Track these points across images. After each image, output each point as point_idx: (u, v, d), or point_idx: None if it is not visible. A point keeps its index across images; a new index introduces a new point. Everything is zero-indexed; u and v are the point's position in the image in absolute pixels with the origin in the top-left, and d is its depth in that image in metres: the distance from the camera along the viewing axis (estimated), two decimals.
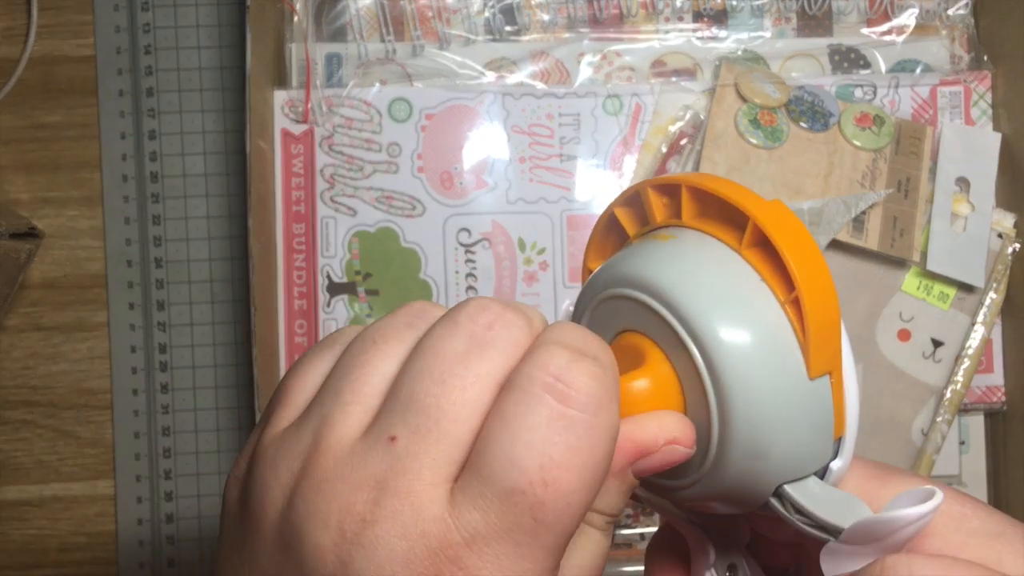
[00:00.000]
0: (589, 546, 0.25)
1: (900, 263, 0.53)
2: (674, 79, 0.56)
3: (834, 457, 0.25)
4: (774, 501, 0.25)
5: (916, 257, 0.52)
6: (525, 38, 0.56)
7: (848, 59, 0.56)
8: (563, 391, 0.22)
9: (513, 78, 0.55)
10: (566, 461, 0.21)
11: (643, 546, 0.55)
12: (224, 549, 0.24)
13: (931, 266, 0.52)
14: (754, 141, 0.53)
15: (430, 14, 0.56)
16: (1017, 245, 0.54)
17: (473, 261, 0.55)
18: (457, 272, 0.55)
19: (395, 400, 0.22)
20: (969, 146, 0.54)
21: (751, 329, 0.24)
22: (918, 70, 0.56)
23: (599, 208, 0.55)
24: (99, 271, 0.58)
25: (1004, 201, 0.54)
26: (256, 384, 0.49)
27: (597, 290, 0.27)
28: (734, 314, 0.24)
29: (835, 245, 0.53)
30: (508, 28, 0.56)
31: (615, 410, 0.23)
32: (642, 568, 0.55)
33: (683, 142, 0.55)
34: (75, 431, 0.58)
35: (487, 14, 0.56)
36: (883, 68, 0.56)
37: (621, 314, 0.26)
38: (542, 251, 0.55)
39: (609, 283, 0.27)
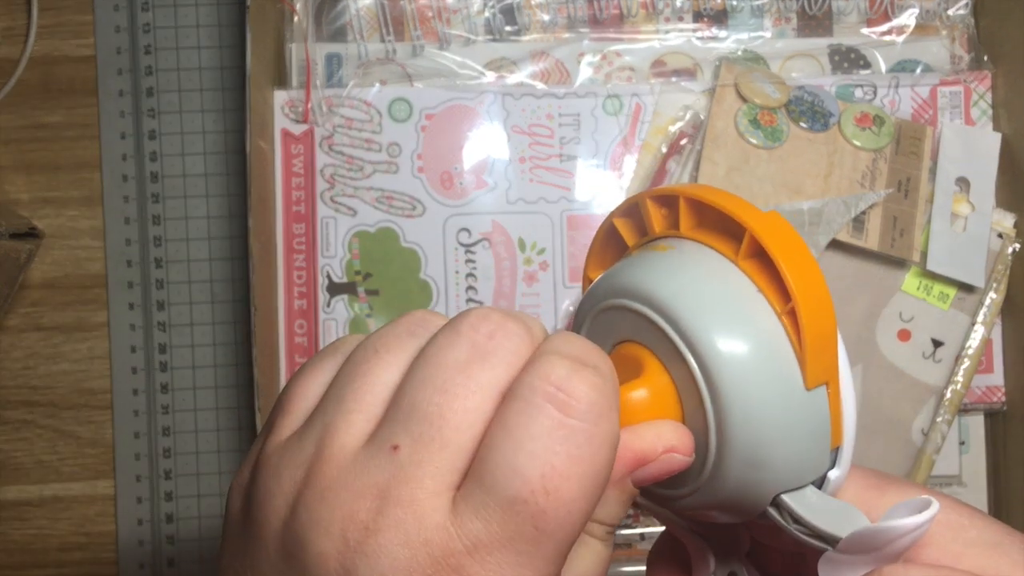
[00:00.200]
0: (589, 556, 0.25)
1: (900, 263, 0.53)
2: (674, 79, 0.56)
3: (832, 466, 0.25)
4: (772, 510, 0.25)
5: (916, 257, 0.53)
6: (525, 38, 0.56)
7: (848, 59, 0.56)
8: (564, 401, 0.22)
9: (513, 78, 0.55)
10: (568, 470, 0.22)
11: (643, 546, 0.55)
12: (226, 557, 0.25)
13: (931, 266, 0.52)
14: (754, 141, 0.53)
15: (430, 14, 0.56)
16: (1017, 245, 0.54)
17: (473, 261, 0.55)
18: (457, 272, 0.55)
19: (397, 409, 0.23)
20: (969, 146, 0.54)
21: (748, 340, 0.24)
22: (918, 70, 0.56)
23: (599, 208, 0.55)
24: (99, 271, 0.58)
25: (1004, 201, 0.54)
26: (256, 384, 0.49)
27: (596, 300, 0.27)
28: (731, 325, 0.24)
29: (835, 245, 0.53)
30: (508, 28, 0.56)
31: (615, 419, 0.23)
32: (642, 568, 0.55)
33: (683, 142, 0.55)
34: (75, 431, 0.58)
35: (487, 14, 0.56)
36: (883, 68, 0.56)
37: (620, 325, 0.27)
38: (542, 251, 0.55)
39: (608, 294, 0.27)
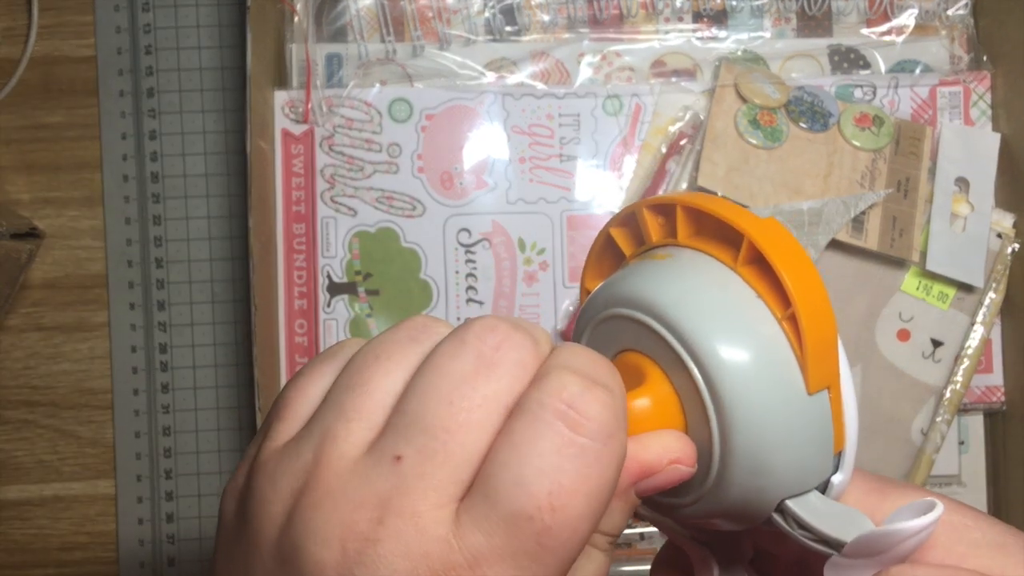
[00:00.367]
0: (591, 566, 0.25)
1: (900, 263, 0.54)
2: (674, 79, 0.56)
3: (835, 471, 0.25)
4: (776, 516, 0.25)
5: (915, 257, 0.53)
6: (525, 38, 0.56)
7: (848, 59, 0.57)
8: (575, 419, 0.22)
9: (513, 78, 0.56)
10: (575, 488, 0.21)
11: (643, 546, 0.55)
12: (220, 562, 0.24)
13: (930, 266, 0.53)
14: (754, 141, 0.53)
15: (430, 14, 0.56)
16: (1016, 245, 0.54)
17: (473, 261, 0.55)
18: (457, 272, 0.55)
19: (401, 418, 0.22)
20: (968, 146, 0.54)
21: (749, 346, 0.24)
22: (917, 70, 0.56)
23: (599, 208, 0.55)
24: (100, 271, 0.58)
25: (1003, 201, 0.54)
26: (257, 384, 0.50)
27: (596, 310, 0.27)
28: (732, 332, 0.24)
29: (834, 245, 0.53)
30: (508, 28, 0.56)
31: (624, 438, 0.23)
32: (642, 568, 0.55)
33: (683, 142, 0.55)
34: (76, 431, 0.58)
35: (487, 14, 0.56)
36: (883, 68, 0.56)
37: (620, 334, 0.27)
38: (542, 251, 0.55)
39: (608, 303, 0.27)
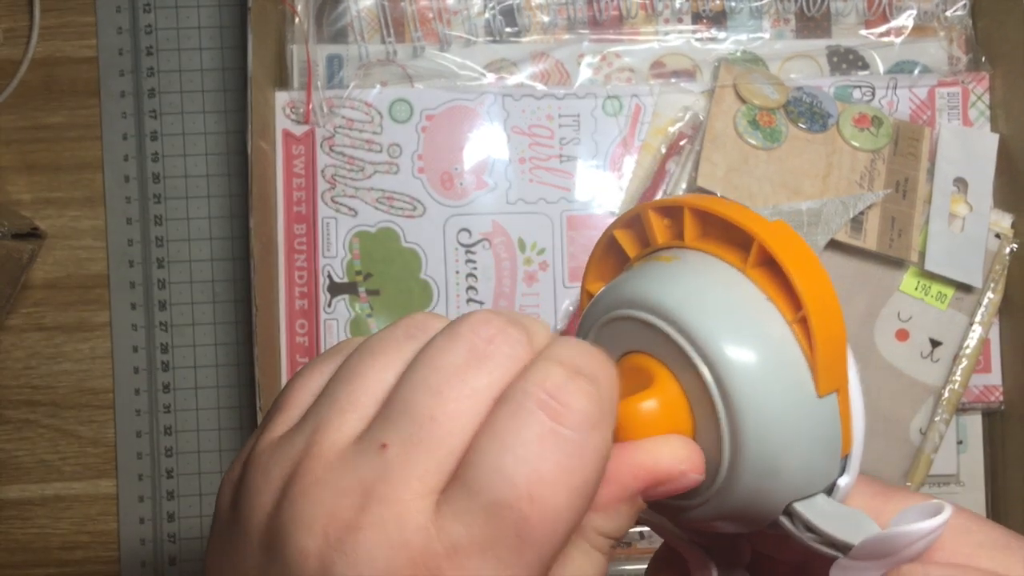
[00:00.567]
0: (590, 568, 0.25)
1: (898, 263, 0.54)
2: (673, 80, 0.56)
3: (841, 474, 0.25)
4: (784, 519, 0.25)
5: (914, 257, 0.53)
6: (525, 39, 0.57)
7: (847, 60, 0.57)
8: (556, 409, 0.22)
9: (513, 79, 0.56)
10: (555, 479, 0.21)
11: (643, 545, 0.56)
12: (213, 554, 0.24)
13: (929, 266, 0.53)
14: (753, 142, 0.53)
15: (431, 15, 0.56)
16: (1015, 245, 0.54)
17: (473, 261, 0.55)
18: (457, 272, 0.55)
19: (390, 408, 0.22)
20: (967, 147, 0.54)
21: (760, 348, 0.24)
22: (916, 71, 0.56)
23: (599, 208, 0.55)
24: (101, 271, 0.58)
25: (1002, 201, 0.54)
26: (257, 383, 0.50)
27: (600, 312, 0.27)
28: (743, 333, 0.24)
29: (833, 245, 0.53)
30: (508, 29, 0.57)
31: (608, 433, 0.23)
32: (642, 567, 0.55)
33: (682, 143, 0.55)
34: (77, 430, 0.58)
35: (487, 15, 0.57)
36: (881, 69, 0.57)
37: (626, 335, 0.26)
38: (542, 251, 0.55)
39: (614, 305, 0.27)
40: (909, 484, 0.54)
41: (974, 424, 0.56)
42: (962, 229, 0.54)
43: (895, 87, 0.55)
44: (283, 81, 0.56)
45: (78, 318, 0.58)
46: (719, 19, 0.57)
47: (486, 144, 0.55)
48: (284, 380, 0.54)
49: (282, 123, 0.55)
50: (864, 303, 0.54)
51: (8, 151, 0.58)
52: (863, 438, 0.25)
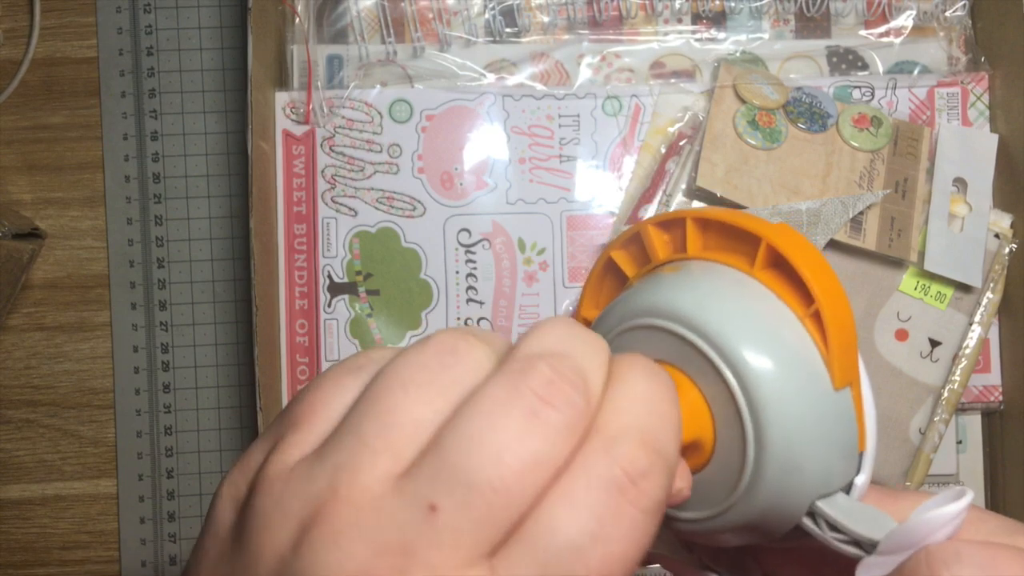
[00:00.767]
0: None
1: (898, 263, 0.54)
2: (673, 80, 0.56)
3: (857, 472, 0.25)
4: (807, 521, 0.25)
5: (914, 257, 0.53)
6: (525, 40, 0.57)
7: (846, 60, 0.57)
8: (632, 492, 0.21)
9: (513, 79, 0.56)
10: (622, 556, 0.21)
11: None
12: (205, 571, 0.23)
13: (928, 266, 0.53)
14: (752, 142, 0.53)
15: (430, 16, 0.57)
16: (1014, 245, 0.54)
17: (473, 261, 0.55)
18: (457, 272, 0.55)
19: (439, 462, 0.20)
20: (966, 147, 0.54)
21: (777, 346, 0.24)
22: (916, 71, 0.57)
23: (599, 208, 0.55)
24: (101, 271, 0.58)
25: (1001, 201, 0.55)
26: (258, 383, 0.50)
27: (613, 325, 0.27)
28: (759, 333, 0.24)
29: (833, 245, 0.53)
30: (508, 30, 0.57)
31: (665, 503, 0.22)
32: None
33: (682, 143, 0.55)
34: (77, 430, 0.58)
35: (487, 16, 0.57)
36: (881, 69, 0.57)
37: (642, 346, 0.26)
38: (542, 251, 0.55)
39: (627, 316, 0.26)
40: (908, 484, 0.54)
41: (973, 424, 0.57)
42: (961, 229, 0.54)
43: (894, 87, 0.55)
44: (283, 81, 0.56)
45: (78, 318, 0.58)
46: (719, 19, 0.57)
47: (486, 144, 0.55)
48: (284, 380, 0.54)
49: (282, 123, 0.55)
50: (863, 303, 0.54)
51: (9, 151, 0.58)
52: (875, 436, 0.25)
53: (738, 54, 0.57)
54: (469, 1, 0.57)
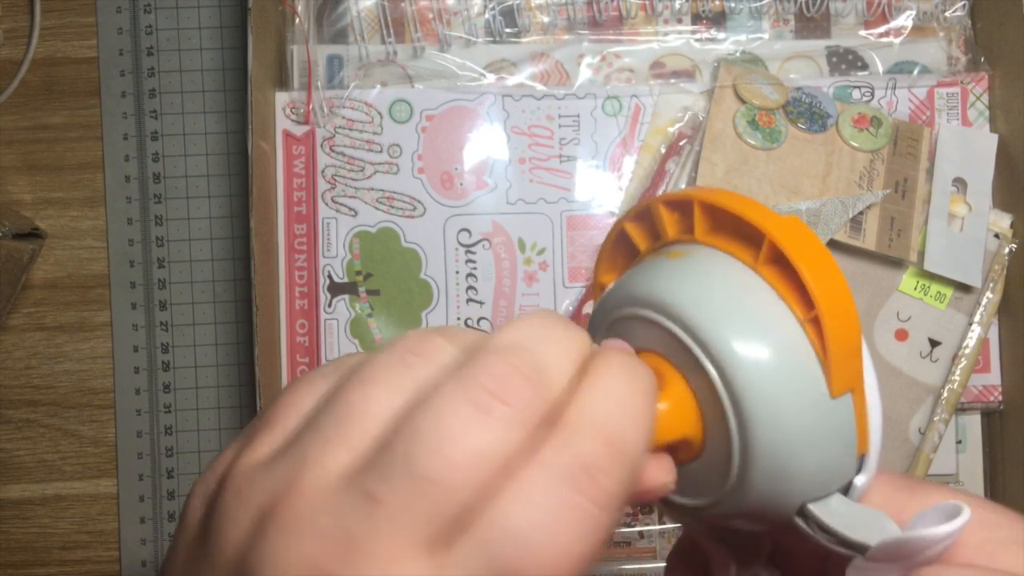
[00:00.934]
0: None
1: (898, 263, 0.54)
2: (673, 80, 0.56)
3: (858, 473, 0.25)
4: (798, 520, 0.25)
5: (913, 257, 0.53)
6: (525, 40, 0.57)
7: (846, 60, 0.57)
8: (586, 487, 0.21)
9: (513, 79, 0.56)
10: (569, 550, 0.21)
11: (642, 544, 0.56)
12: (174, 569, 0.23)
13: (928, 266, 0.53)
14: (752, 142, 0.53)
15: (431, 16, 0.57)
16: (1014, 245, 0.54)
17: (473, 261, 0.55)
18: (457, 272, 0.55)
19: (387, 456, 0.21)
20: (966, 147, 0.55)
21: (769, 348, 0.24)
22: (916, 71, 0.57)
23: (599, 208, 0.55)
24: (102, 271, 0.58)
25: (1001, 201, 0.55)
26: (258, 383, 0.50)
27: (609, 310, 0.27)
28: (752, 333, 0.24)
29: (833, 245, 0.53)
30: (508, 30, 0.57)
31: (623, 500, 0.22)
32: (641, 566, 0.55)
33: (682, 143, 0.55)
34: (77, 430, 0.58)
35: (487, 16, 0.57)
36: (881, 69, 0.57)
37: (635, 334, 0.26)
38: (542, 251, 0.55)
39: (622, 303, 0.26)
40: None
41: (973, 424, 0.57)
42: (961, 229, 0.54)
43: (894, 87, 0.56)
44: (283, 81, 0.56)
45: (79, 318, 0.58)
46: (719, 19, 0.57)
47: (486, 144, 0.55)
48: (284, 380, 0.54)
49: (282, 123, 0.55)
50: (863, 303, 0.54)
51: (9, 151, 0.58)
52: (880, 437, 0.25)
53: (738, 54, 0.57)
54: (469, 1, 0.57)
